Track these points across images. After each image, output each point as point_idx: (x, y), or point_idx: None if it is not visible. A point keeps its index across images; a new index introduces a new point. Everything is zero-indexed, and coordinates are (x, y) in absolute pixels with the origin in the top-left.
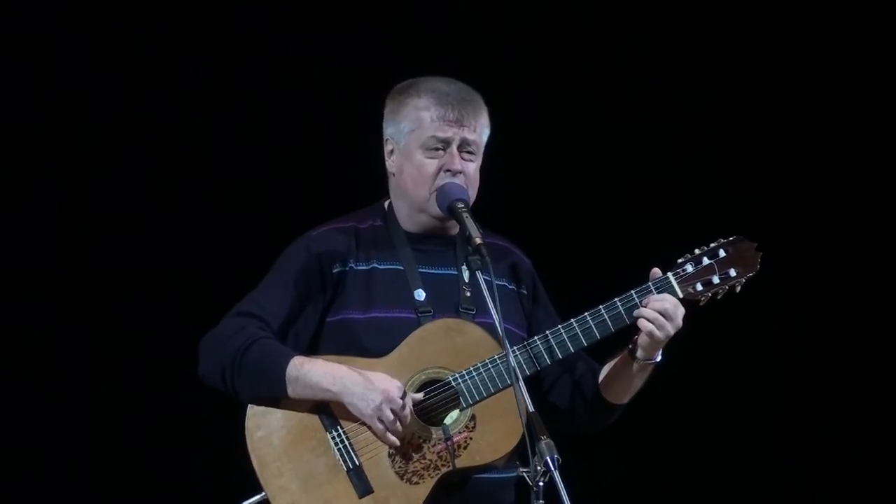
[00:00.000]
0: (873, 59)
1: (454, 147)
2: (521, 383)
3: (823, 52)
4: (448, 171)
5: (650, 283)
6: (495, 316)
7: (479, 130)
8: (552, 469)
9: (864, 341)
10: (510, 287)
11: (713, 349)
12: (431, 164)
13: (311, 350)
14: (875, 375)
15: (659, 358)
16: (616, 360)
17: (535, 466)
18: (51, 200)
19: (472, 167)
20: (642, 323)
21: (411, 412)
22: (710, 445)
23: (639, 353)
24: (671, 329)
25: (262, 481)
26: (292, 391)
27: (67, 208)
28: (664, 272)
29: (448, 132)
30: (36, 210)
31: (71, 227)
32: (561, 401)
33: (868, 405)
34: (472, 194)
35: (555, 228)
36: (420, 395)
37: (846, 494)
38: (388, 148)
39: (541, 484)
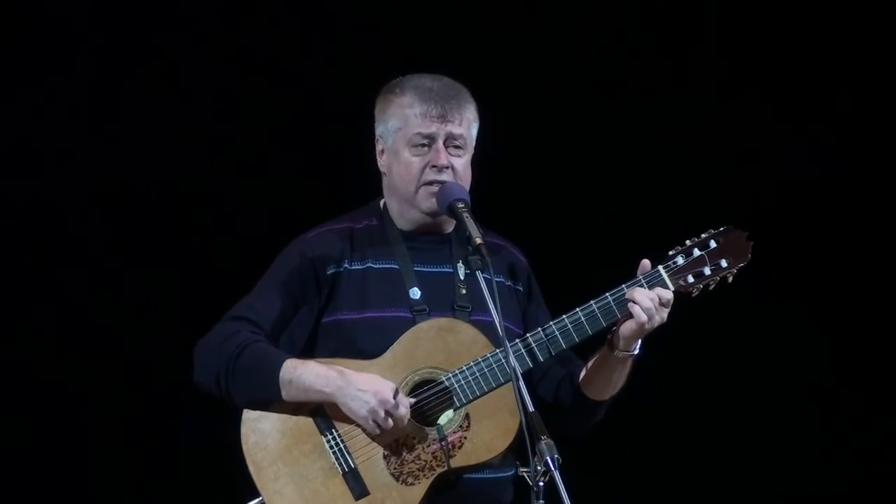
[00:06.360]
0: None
1: (440, 142)
2: (521, 382)
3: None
4: (434, 166)
5: (640, 277)
6: (495, 316)
7: (466, 124)
8: (552, 469)
9: (863, 341)
10: (507, 284)
11: (714, 350)
12: (418, 161)
13: (307, 352)
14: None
15: (637, 350)
16: (596, 356)
17: (536, 466)
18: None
19: (461, 162)
20: (636, 310)
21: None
22: (710, 446)
23: (620, 344)
24: (658, 320)
25: (258, 486)
26: (286, 394)
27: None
28: (655, 265)
29: (432, 128)
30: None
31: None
32: (545, 401)
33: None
34: (465, 188)
35: (545, 226)
36: (412, 400)
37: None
38: (378, 147)
39: (541, 484)
